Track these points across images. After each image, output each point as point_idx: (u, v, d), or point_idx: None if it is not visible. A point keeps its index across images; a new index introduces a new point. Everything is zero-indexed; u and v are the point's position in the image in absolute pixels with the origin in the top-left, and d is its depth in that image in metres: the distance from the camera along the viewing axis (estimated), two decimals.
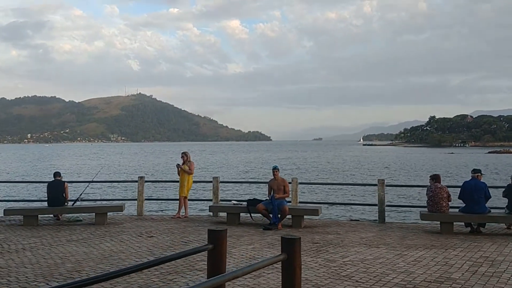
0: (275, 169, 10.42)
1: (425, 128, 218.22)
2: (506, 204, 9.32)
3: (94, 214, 10.95)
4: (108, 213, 11.06)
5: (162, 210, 17.25)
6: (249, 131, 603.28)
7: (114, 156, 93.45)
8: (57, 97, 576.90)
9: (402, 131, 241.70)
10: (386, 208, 11.16)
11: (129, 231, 9.64)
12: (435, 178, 9.72)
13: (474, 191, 9.25)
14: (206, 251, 3.71)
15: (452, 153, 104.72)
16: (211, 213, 11.92)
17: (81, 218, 11.19)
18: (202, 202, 16.58)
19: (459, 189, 9.65)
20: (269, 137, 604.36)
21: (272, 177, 10.43)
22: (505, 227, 9.67)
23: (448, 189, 9.66)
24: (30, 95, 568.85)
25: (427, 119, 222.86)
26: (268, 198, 10.35)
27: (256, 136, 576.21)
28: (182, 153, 11.88)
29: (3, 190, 25.33)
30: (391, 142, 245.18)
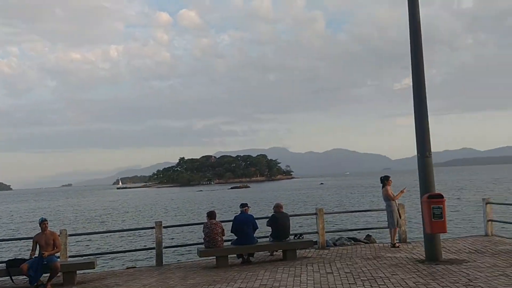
0: (44, 221, 8.98)
1: (176, 169, 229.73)
2: (270, 233, 10.58)
3: None
4: None
5: None
6: None
7: None
8: None
9: (155, 172, 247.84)
10: (164, 250, 11.08)
11: None
12: (211, 215, 10.26)
13: (244, 224, 10.16)
14: None
15: (201, 190, 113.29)
16: None
17: None
18: None
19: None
20: (9, 185, 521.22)
21: (40, 231, 8.96)
22: (269, 254, 10.92)
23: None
24: None
25: (177, 160, 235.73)
26: (33, 256, 8.81)
27: None
28: None
29: None
30: (145, 184, 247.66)
